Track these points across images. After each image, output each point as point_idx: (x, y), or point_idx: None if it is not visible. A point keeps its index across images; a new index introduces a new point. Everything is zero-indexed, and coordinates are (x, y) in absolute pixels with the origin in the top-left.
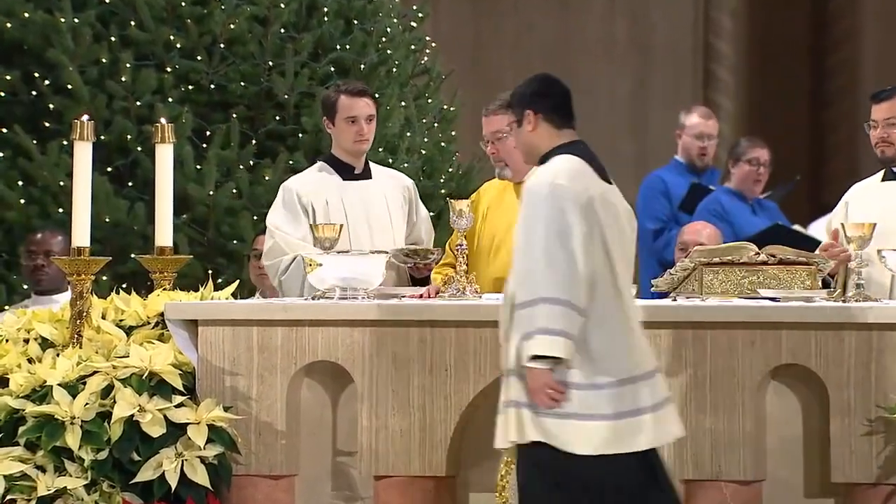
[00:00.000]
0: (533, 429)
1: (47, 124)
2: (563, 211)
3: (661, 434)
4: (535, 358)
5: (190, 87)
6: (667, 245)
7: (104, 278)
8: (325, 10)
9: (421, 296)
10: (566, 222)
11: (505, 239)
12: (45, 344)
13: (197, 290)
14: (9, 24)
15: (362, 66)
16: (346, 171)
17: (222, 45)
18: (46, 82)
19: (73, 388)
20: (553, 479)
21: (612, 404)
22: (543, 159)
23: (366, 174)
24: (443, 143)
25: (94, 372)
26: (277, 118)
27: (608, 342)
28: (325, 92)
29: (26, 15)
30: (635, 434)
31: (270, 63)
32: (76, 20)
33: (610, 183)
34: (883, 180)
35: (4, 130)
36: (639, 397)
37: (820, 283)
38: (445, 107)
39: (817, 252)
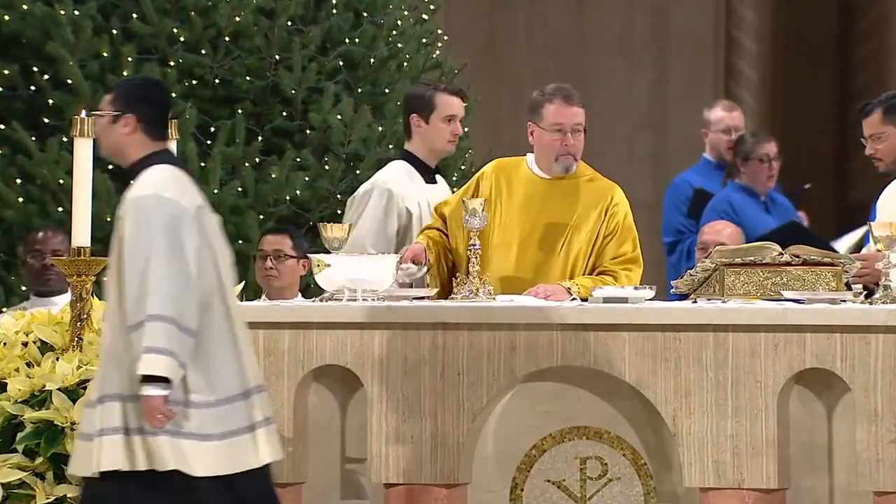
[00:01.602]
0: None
1: (46, 120)
2: (174, 225)
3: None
4: (147, 379)
5: (194, 82)
6: (679, 258)
7: (105, 279)
8: (334, 2)
9: (401, 259)
10: (178, 237)
11: (531, 235)
12: (45, 347)
13: None
14: (7, 17)
15: (372, 60)
16: (427, 174)
17: (227, 39)
18: (46, 77)
19: (73, 393)
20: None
21: (222, 423)
22: (136, 167)
23: (434, 178)
24: None
25: None
26: (284, 114)
27: (220, 359)
28: (413, 88)
29: (25, 7)
30: (248, 451)
31: (277, 57)
32: (76, 13)
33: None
34: None
35: (2, 126)
36: (253, 414)
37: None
38: None
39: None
